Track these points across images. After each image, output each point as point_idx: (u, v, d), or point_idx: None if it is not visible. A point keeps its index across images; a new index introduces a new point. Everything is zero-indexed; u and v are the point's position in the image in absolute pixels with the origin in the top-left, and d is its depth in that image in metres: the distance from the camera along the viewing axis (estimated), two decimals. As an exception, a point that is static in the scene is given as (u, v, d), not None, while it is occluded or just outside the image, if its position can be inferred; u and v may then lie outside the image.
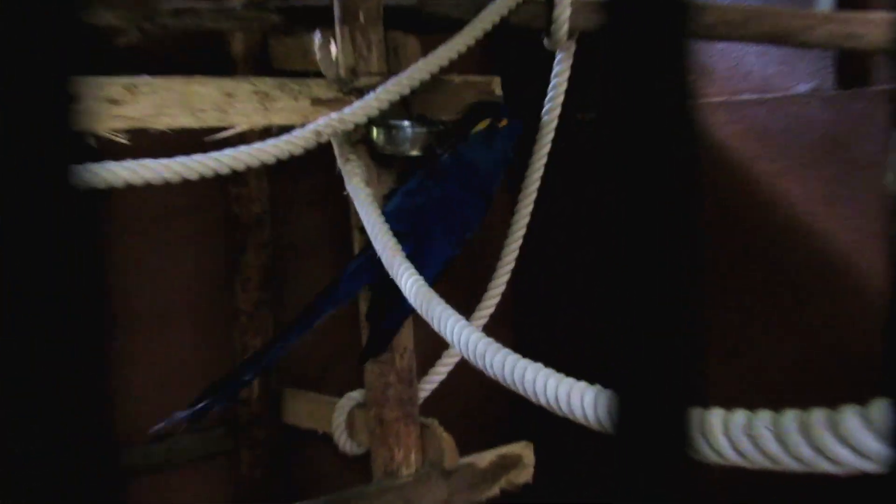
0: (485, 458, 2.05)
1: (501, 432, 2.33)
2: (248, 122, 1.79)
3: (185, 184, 1.64)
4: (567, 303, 2.59)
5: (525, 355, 1.26)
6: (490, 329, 1.53)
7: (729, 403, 0.86)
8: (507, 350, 1.30)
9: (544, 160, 2.09)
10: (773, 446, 0.80)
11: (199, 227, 2.33)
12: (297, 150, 1.74)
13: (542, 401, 1.18)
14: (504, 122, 1.95)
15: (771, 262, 2.18)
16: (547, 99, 2.08)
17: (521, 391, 1.23)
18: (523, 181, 2.10)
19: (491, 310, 2.15)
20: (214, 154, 1.66)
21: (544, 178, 2.09)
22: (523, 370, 1.23)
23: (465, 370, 2.14)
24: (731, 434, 0.84)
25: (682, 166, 0.48)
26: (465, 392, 2.44)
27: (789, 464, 0.79)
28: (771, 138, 2.20)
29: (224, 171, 1.67)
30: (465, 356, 1.36)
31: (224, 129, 1.82)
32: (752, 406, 0.83)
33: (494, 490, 2.04)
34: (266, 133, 1.83)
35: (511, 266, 2.13)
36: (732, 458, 0.84)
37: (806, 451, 0.77)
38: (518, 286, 2.33)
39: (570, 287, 2.58)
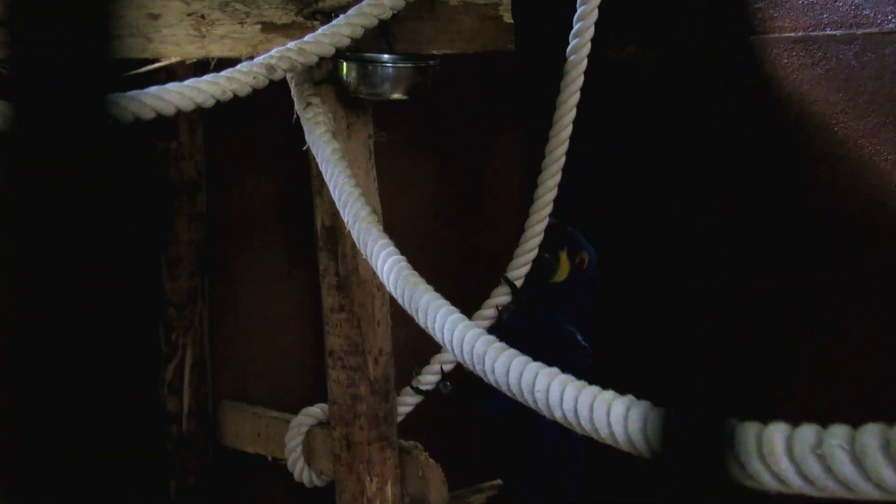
0: (482, 493, 2.08)
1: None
2: (178, 53, 1.79)
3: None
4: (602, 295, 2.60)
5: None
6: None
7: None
8: (513, 351, 1.32)
9: (572, 114, 2.10)
10: (847, 469, 0.82)
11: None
12: (243, 91, 1.75)
13: (558, 414, 1.20)
14: (585, 257, 2.15)
15: (855, 247, 2.20)
16: (572, 32, 2.10)
17: (531, 403, 1.26)
18: (547, 142, 2.11)
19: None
20: (134, 93, 1.67)
21: (573, 137, 2.10)
22: (533, 376, 1.26)
23: (460, 380, 2.16)
24: (796, 454, 0.86)
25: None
26: (458, 409, 2.46)
27: (868, 491, 0.82)
28: (861, 87, 2.21)
29: (147, 115, 1.68)
30: (459, 358, 1.39)
31: (147, 63, 1.82)
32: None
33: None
34: (202, 68, 1.84)
35: (534, 251, 2.15)
36: (796, 484, 0.87)
37: (889, 475, 0.79)
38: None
39: (607, 274, 2.59)
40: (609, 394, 1.16)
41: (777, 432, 0.89)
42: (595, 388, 1.19)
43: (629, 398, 1.14)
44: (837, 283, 2.20)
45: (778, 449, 0.88)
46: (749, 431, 0.91)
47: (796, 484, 0.87)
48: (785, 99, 2.31)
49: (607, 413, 1.14)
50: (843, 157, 2.28)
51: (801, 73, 2.34)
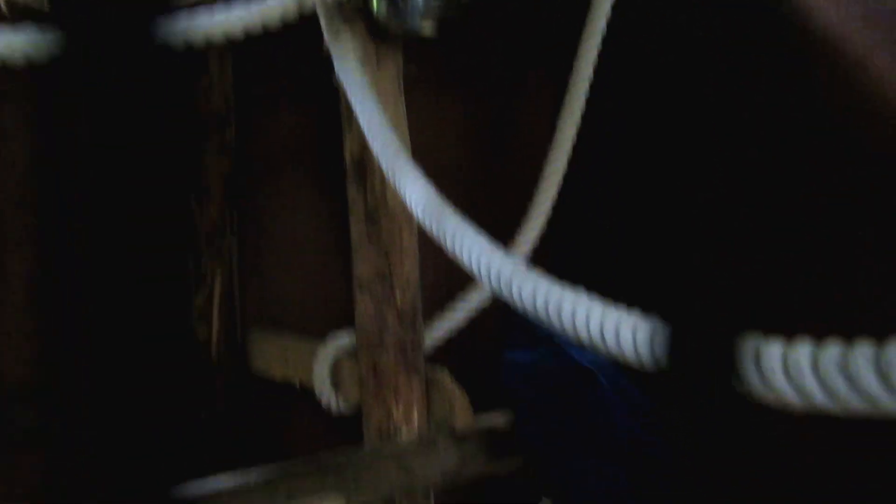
0: (504, 416, 2.09)
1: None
2: (210, -17, 1.79)
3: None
4: (627, 227, 2.59)
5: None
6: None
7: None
8: (539, 275, 1.32)
9: (596, 47, 2.09)
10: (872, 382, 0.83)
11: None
12: (273, 23, 1.74)
13: (584, 336, 1.21)
14: None
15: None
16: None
17: (557, 327, 1.26)
18: (571, 69, 2.10)
19: (529, 244, 2.16)
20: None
21: (599, 65, 2.09)
22: (559, 299, 1.26)
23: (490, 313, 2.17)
24: (822, 371, 0.87)
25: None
26: (487, 339, 2.46)
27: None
28: None
29: (175, 46, 1.67)
30: (486, 284, 1.39)
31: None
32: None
33: (519, 459, 2.08)
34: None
35: (557, 185, 2.14)
36: (820, 401, 0.88)
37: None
38: (564, 209, 2.34)
39: (633, 207, 2.57)
40: (631, 317, 1.17)
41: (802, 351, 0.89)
42: (621, 311, 1.19)
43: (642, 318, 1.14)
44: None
45: (803, 365, 0.89)
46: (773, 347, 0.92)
47: (820, 401, 0.88)
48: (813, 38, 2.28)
49: (633, 336, 1.15)
50: (873, 99, 2.25)
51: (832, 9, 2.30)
